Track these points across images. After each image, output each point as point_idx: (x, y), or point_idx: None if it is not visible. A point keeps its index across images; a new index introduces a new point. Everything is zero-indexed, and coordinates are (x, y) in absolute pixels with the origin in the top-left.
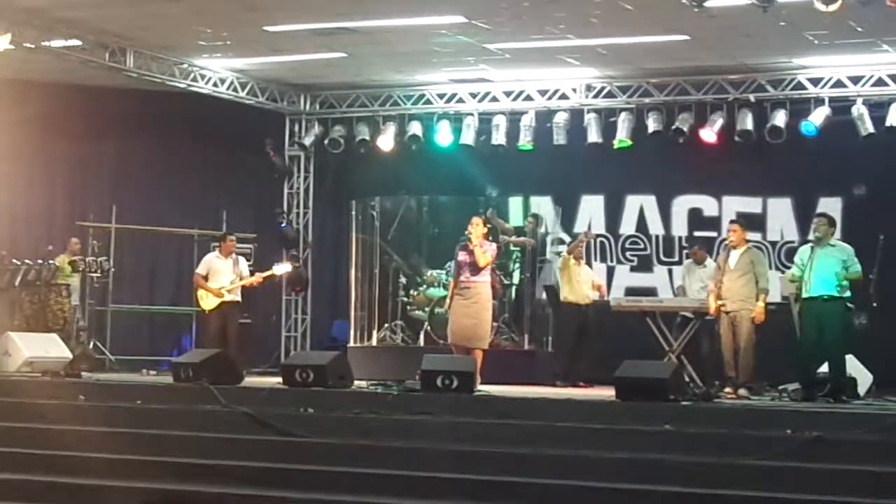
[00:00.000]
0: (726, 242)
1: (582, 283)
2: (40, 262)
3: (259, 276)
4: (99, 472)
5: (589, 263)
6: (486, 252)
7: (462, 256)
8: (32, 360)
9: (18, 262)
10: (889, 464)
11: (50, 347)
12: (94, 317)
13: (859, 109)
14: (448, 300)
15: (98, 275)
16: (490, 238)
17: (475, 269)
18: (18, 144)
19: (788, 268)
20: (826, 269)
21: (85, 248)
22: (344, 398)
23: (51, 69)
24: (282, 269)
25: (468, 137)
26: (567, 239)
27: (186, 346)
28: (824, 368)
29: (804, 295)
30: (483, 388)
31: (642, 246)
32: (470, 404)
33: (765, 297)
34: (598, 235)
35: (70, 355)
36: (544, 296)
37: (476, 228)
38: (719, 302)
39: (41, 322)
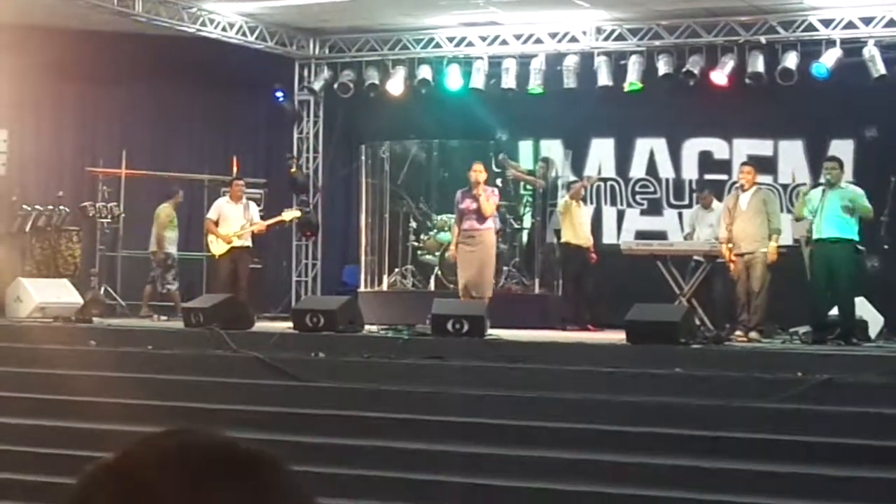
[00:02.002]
0: (738, 184)
1: (583, 225)
2: (51, 207)
3: (269, 221)
4: (110, 417)
5: (599, 207)
6: (489, 199)
7: (466, 203)
8: (44, 306)
9: (28, 208)
10: None
11: (61, 293)
12: (104, 262)
13: (871, 51)
14: (452, 247)
15: (108, 220)
16: (497, 182)
17: (481, 216)
18: (27, 90)
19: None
20: (836, 211)
21: (94, 193)
22: (354, 342)
23: (59, 14)
24: (291, 214)
25: (478, 81)
26: None
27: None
28: (835, 311)
29: (814, 237)
30: (493, 332)
31: (652, 189)
32: (480, 348)
33: (777, 238)
34: (607, 179)
35: (81, 301)
36: (555, 240)
37: (479, 175)
38: (729, 245)
39: (52, 267)
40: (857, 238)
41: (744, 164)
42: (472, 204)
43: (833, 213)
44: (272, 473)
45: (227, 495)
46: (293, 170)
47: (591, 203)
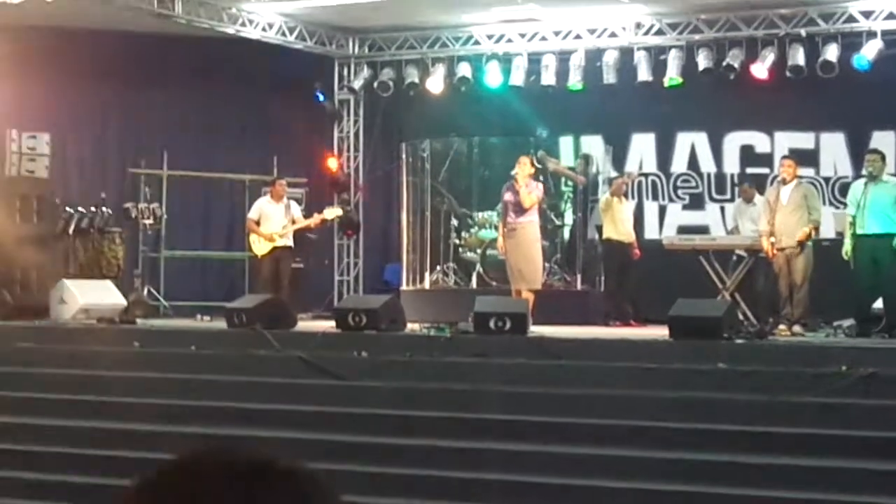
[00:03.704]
0: (779, 177)
1: (625, 221)
2: (93, 209)
3: (310, 220)
4: (154, 418)
5: (640, 202)
6: (531, 192)
7: (508, 196)
8: (87, 308)
9: (71, 210)
10: None
11: (104, 294)
12: (147, 263)
13: None
14: (499, 242)
15: (150, 221)
16: (540, 178)
17: (520, 209)
18: (68, 94)
19: (842, 203)
20: (880, 205)
21: (136, 194)
22: (397, 341)
23: (99, 17)
24: (333, 212)
25: (517, 78)
26: None
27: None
28: (879, 304)
29: (858, 232)
30: (536, 330)
31: (694, 184)
32: (523, 346)
33: (813, 227)
34: (648, 174)
35: (124, 302)
36: (597, 236)
37: (523, 168)
38: (772, 239)
39: (95, 269)
40: None
41: (784, 157)
42: (513, 197)
43: (876, 208)
44: (311, 483)
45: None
46: (333, 169)
47: (633, 198)
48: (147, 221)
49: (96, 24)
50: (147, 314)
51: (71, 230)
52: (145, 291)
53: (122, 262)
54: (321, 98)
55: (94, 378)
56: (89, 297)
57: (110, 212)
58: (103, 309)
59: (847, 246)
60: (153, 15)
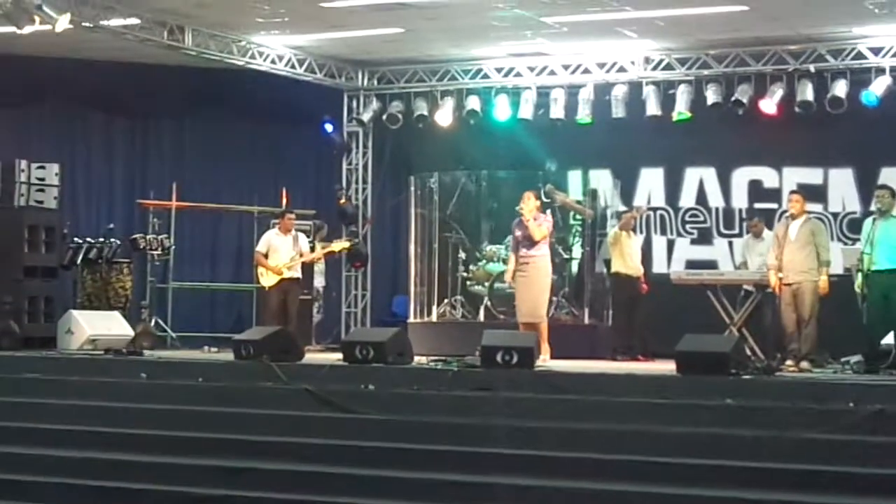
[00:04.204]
0: (788, 213)
1: (633, 255)
2: (101, 239)
3: (318, 253)
4: (160, 449)
5: (649, 237)
6: (540, 225)
7: (518, 232)
8: (95, 338)
9: (80, 241)
10: None
11: (112, 325)
12: (155, 294)
13: None
14: (508, 275)
15: (159, 252)
16: (548, 211)
17: (530, 242)
18: (78, 124)
19: (850, 239)
20: (890, 240)
21: (145, 225)
22: (404, 374)
23: (109, 48)
24: (340, 245)
25: (526, 111)
26: None
27: None
28: (887, 340)
29: (871, 268)
30: (542, 364)
31: (702, 219)
32: (529, 380)
33: (827, 270)
34: (656, 208)
35: (132, 332)
36: (604, 270)
37: (528, 202)
38: (780, 274)
39: (103, 300)
40: None
41: (793, 192)
42: (522, 231)
43: (887, 244)
44: None
45: None
46: (342, 201)
47: (642, 232)
48: (155, 252)
49: (106, 55)
50: (154, 345)
51: (79, 261)
52: (153, 322)
53: (130, 292)
54: (330, 130)
55: (101, 409)
56: (97, 327)
57: (118, 242)
58: (111, 339)
59: (859, 281)
60: (163, 46)
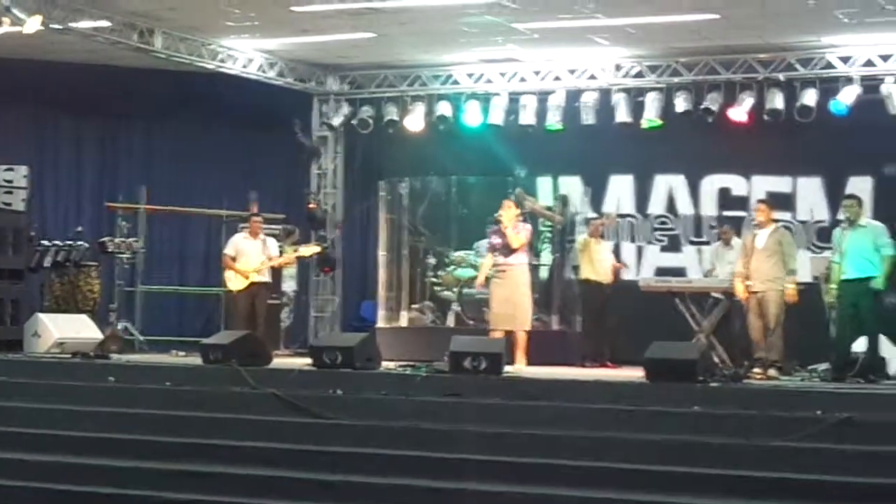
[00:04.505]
0: (755, 222)
1: (602, 261)
2: (70, 242)
3: (287, 257)
4: (128, 453)
5: (617, 244)
6: (519, 233)
7: (495, 239)
8: (62, 341)
9: (48, 243)
10: None
11: (80, 328)
12: (123, 298)
13: (889, 88)
14: (479, 280)
15: (127, 256)
16: (524, 219)
17: (508, 250)
18: (47, 127)
19: (819, 247)
20: (859, 250)
21: (113, 228)
22: (372, 380)
23: (79, 50)
24: (310, 249)
25: (496, 117)
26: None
27: None
28: (857, 348)
29: (841, 277)
30: (511, 370)
31: (671, 226)
32: (498, 386)
33: (794, 279)
34: (625, 215)
35: (100, 336)
36: (573, 276)
37: (508, 211)
38: (747, 283)
39: (71, 303)
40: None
41: (759, 201)
42: (500, 239)
43: (856, 253)
44: None
45: None
46: (312, 205)
47: (611, 239)
48: (124, 255)
49: (76, 57)
50: (122, 349)
51: (47, 263)
52: (121, 326)
53: (98, 296)
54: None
55: (68, 413)
56: (64, 330)
57: (87, 245)
58: (78, 343)
59: (827, 290)
60: (133, 49)
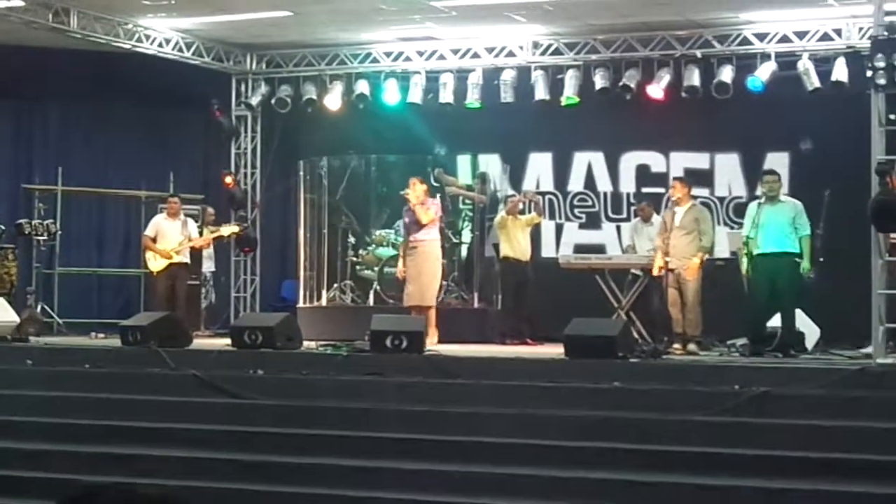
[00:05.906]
0: (672, 199)
1: (521, 239)
2: None
3: (207, 237)
4: (46, 436)
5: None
6: (428, 209)
7: (406, 219)
8: None
9: None
10: (836, 418)
11: None
12: (41, 280)
13: (805, 64)
14: (399, 266)
15: (44, 238)
16: (437, 196)
17: (418, 226)
18: None
19: (737, 223)
20: (777, 225)
21: (30, 210)
22: (293, 359)
23: None
24: (229, 229)
25: (415, 96)
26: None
27: None
28: (771, 323)
29: (755, 251)
30: (432, 348)
31: (590, 203)
32: (419, 364)
33: (703, 256)
34: (545, 193)
35: (17, 319)
36: (494, 254)
37: (415, 188)
38: (666, 259)
39: None
40: (797, 250)
41: (674, 178)
42: (410, 217)
43: (773, 228)
44: None
45: None
46: (229, 182)
47: (542, 216)
48: (41, 238)
49: None
50: (40, 331)
51: None
52: (39, 308)
53: (16, 278)
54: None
55: None
56: None
57: (3, 228)
58: None
59: (745, 265)
60: (48, 29)
